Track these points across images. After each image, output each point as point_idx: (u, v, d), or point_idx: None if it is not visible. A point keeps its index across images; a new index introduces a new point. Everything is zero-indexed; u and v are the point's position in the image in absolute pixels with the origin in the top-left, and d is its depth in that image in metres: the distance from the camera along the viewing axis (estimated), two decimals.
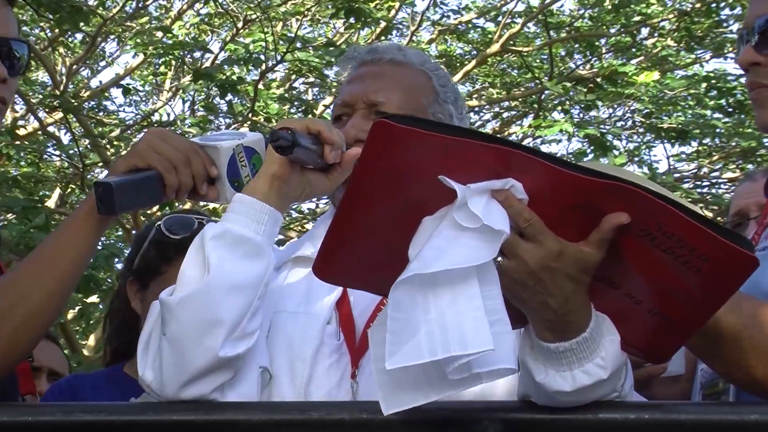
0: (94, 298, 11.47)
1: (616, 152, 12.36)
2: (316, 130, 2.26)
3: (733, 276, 1.83)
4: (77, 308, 11.19)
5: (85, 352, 11.57)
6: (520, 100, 14.03)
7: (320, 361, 2.30)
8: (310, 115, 11.38)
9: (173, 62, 12.48)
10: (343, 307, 2.35)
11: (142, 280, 3.48)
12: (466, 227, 1.80)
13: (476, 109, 13.84)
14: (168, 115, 13.33)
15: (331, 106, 2.65)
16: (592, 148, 11.95)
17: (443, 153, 1.81)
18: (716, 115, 12.99)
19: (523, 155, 1.81)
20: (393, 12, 12.58)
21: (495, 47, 12.69)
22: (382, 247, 1.92)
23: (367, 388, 2.26)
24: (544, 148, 13.89)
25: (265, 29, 11.57)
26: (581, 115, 13.26)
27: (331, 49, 11.17)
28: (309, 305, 2.35)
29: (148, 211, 10.57)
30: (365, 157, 1.86)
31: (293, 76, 12.88)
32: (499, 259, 1.83)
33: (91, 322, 12.99)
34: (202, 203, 3.40)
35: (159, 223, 3.49)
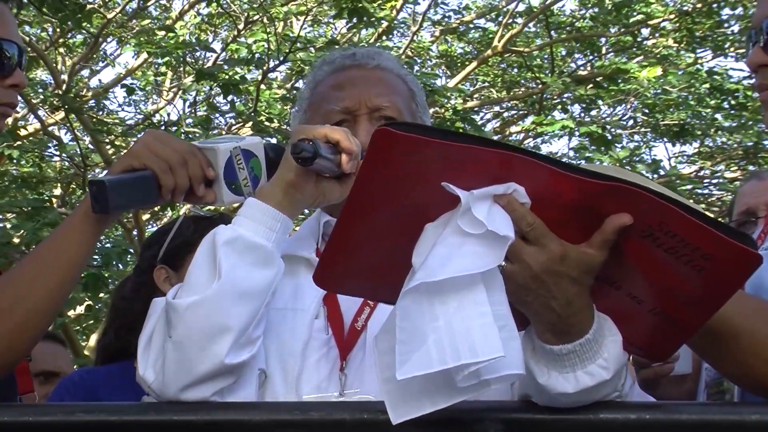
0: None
1: (618, 146, 12.35)
2: (335, 139, 2.25)
3: (736, 274, 1.82)
4: (85, 305, 11.18)
5: (86, 353, 11.56)
6: (520, 99, 14.03)
7: (310, 355, 2.30)
8: None
9: (174, 62, 12.48)
10: (331, 302, 2.35)
11: (174, 262, 3.59)
12: (471, 233, 1.80)
13: (476, 109, 13.83)
14: (168, 115, 13.35)
15: (307, 107, 2.57)
16: (593, 147, 11.95)
17: (445, 159, 1.81)
18: (718, 115, 13.00)
19: (524, 159, 1.81)
20: (395, 12, 12.57)
21: (496, 47, 12.69)
22: (384, 254, 1.91)
23: (355, 380, 2.27)
24: (546, 146, 13.92)
25: (267, 29, 11.57)
26: (582, 115, 13.26)
27: (336, 47, 11.16)
28: (297, 301, 2.35)
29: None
30: (367, 164, 1.86)
31: (294, 77, 12.88)
32: (503, 263, 1.83)
33: (93, 321, 12.99)
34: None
35: (184, 214, 3.69)
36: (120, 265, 9.57)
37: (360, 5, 10.85)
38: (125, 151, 2.47)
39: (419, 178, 1.82)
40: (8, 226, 10.71)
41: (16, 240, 9.67)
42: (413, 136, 1.79)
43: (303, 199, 2.28)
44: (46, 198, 11.84)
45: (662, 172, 12.39)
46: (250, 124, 11.54)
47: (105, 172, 11.88)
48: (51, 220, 9.13)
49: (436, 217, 1.85)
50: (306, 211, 2.44)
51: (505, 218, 1.81)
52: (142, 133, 2.44)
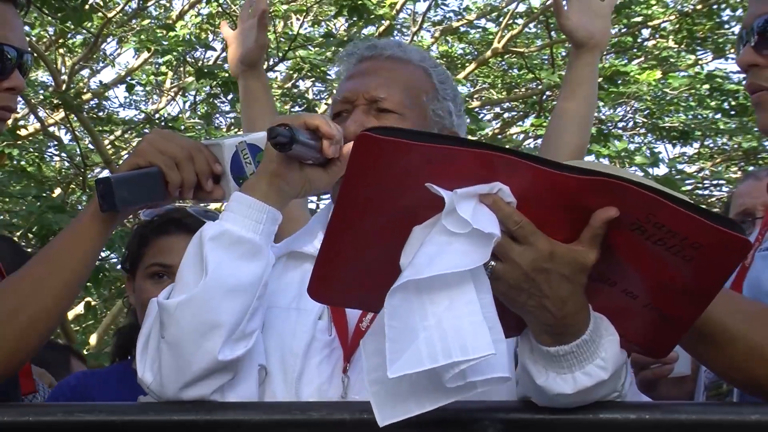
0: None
1: (616, 141, 12.32)
2: (314, 125, 2.25)
3: (726, 261, 1.81)
4: (84, 302, 11.18)
5: (86, 353, 11.55)
6: (520, 100, 14.02)
7: (312, 356, 2.30)
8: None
9: (174, 61, 12.47)
10: None
11: (131, 272, 3.65)
12: (457, 233, 1.79)
13: (476, 110, 13.82)
14: (168, 114, 13.33)
15: (330, 103, 2.61)
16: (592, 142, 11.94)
17: (429, 162, 1.80)
18: (718, 116, 12.99)
19: (507, 158, 1.80)
20: (395, 10, 12.56)
21: (497, 48, 12.68)
22: (376, 262, 1.90)
23: (358, 383, 2.26)
24: None
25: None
26: None
27: (331, 39, 11.15)
28: (301, 300, 2.34)
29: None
30: (351, 171, 1.85)
31: (294, 75, 12.88)
32: (493, 263, 1.82)
33: (92, 321, 12.98)
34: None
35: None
36: (123, 250, 9.54)
37: (360, 3, 10.83)
38: (130, 151, 2.47)
39: (405, 182, 1.82)
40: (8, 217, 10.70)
41: (20, 223, 9.66)
42: (395, 140, 1.79)
43: (289, 188, 2.27)
44: (48, 189, 11.82)
45: (661, 167, 12.39)
46: None
47: (105, 171, 11.89)
48: (55, 203, 9.12)
49: (425, 220, 1.84)
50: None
51: (491, 217, 1.80)
52: (146, 132, 2.44)
